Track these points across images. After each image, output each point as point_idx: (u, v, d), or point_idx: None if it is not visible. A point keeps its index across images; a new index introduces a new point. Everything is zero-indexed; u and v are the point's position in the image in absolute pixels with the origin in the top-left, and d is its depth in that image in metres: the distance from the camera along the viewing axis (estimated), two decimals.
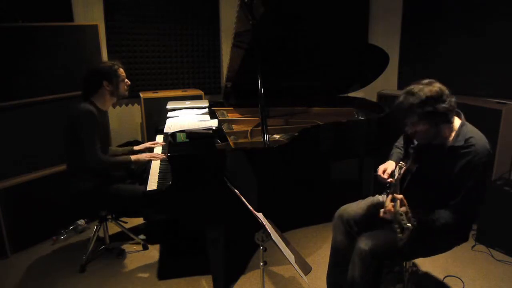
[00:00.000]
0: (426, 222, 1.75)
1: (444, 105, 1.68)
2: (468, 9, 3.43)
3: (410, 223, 1.56)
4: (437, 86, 1.70)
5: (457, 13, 3.50)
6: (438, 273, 2.51)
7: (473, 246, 2.83)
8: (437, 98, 1.67)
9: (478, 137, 1.76)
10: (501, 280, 2.47)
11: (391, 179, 1.91)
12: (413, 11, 3.90)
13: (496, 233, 2.76)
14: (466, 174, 1.72)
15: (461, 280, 2.44)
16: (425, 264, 2.56)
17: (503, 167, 3.05)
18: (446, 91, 1.71)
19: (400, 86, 4.11)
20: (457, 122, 1.82)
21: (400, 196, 1.67)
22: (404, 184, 1.88)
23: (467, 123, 1.84)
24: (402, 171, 1.88)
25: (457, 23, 3.52)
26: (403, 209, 1.62)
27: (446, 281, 2.44)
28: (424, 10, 3.78)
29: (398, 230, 1.59)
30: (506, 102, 3.02)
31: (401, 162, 1.95)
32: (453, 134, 1.79)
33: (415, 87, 1.71)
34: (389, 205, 1.71)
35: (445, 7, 3.58)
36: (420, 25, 3.84)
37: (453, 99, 1.72)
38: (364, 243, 1.86)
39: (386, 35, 4.13)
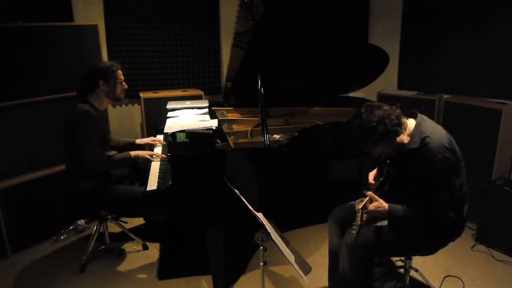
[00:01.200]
0: (406, 218, 1.80)
1: (391, 123, 1.70)
2: (468, 9, 3.42)
3: (360, 221, 1.80)
4: (376, 112, 1.72)
5: (457, 13, 3.50)
6: (438, 273, 2.51)
7: (473, 246, 2.83)
8: (381, 121, 1.70)
9: (433, 134, 1.77)
10: (501, 280, 2.47)
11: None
12: (413, 11, 3.90)
13: (496, 233, 2.76)
14: (427, 172, 1.75)
15: (461, 280, 2.44)
16: (425, 264, 2.56)
17: (503, 167, 3.05)
18: (386, 111, 1.72)
19: (400, 86, 4.11)
20: (411, 123, 1.83)
21: (370, 193, 1.83)
22: (385, 187, 1.94)
23: (425, 119, 1.85)
24: (384, 175, 1.95)
25: (457, 23, 3.52)
26: (375, 204, 1.80)
27: (446, 281, 2.44)
28: (424, 10, 3.78)
29: (354, 226, 1.86)
30: (506, 102, 3.01)
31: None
32: (409, 136, 1.81)
33: (360, 117, 1.74)
34: (358, 202, 1.88)
35: (445, 7, 3.58)
36: (420, 25, 3.84)
37: (397, 112, 1.75)
38: (349, 236, 1.93)
39: (386, 35, 4.12)
